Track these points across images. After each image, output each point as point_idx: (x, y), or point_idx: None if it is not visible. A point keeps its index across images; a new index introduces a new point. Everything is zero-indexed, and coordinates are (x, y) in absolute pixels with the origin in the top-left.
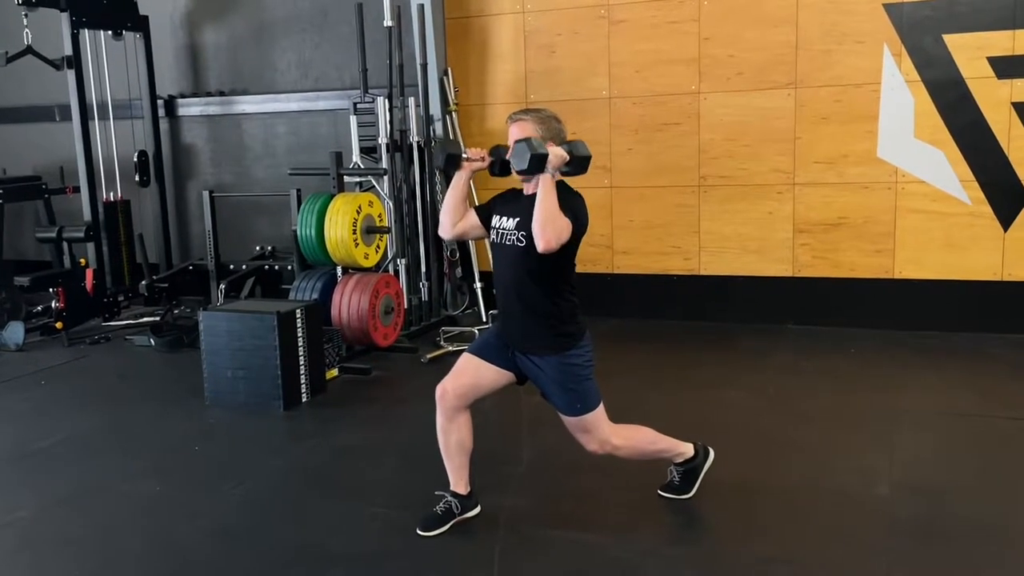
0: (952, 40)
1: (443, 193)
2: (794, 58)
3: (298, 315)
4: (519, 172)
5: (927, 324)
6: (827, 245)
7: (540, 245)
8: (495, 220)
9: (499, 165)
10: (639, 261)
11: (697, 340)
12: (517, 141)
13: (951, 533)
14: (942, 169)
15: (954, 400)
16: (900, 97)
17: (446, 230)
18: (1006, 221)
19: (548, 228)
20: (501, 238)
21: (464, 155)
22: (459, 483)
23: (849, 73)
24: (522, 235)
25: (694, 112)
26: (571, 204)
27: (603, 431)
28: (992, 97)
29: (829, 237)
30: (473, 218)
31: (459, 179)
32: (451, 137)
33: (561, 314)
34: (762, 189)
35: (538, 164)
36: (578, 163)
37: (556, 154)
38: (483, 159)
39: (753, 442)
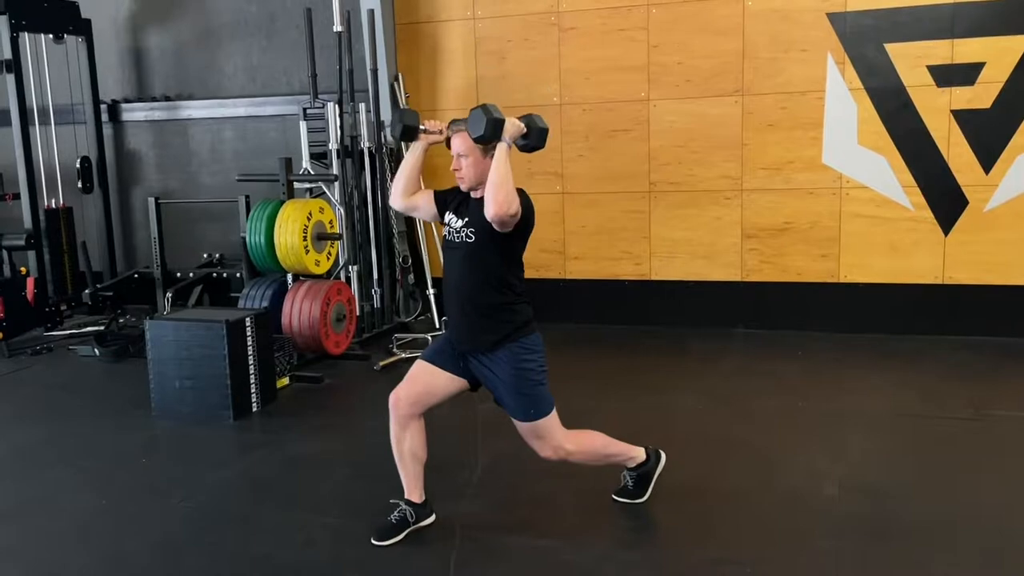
0: (893, 49)
1: None
2: (741, 66)
3: (248, 323)
4: (476, 139)
5: (871, 327)
6: (774, 250)
7: (491, 210)
8: (447, 217)
9: (485, 143)
10: (591, 267)
11: (648, 345)
12: (473, 108)
13: (898, 531)
14: (885, 175)
15: (898, 401)
16: (844, 104)
17: (396, 199)
18: (946, 226)
19: (500, 192)
20: (451, 235)
21: (422, 127)
22: (413, 491)
23: (794, 81)
24: (471, 231)
25: (644, 119)
26: (520, 197)
27: (556, 437)
28: (932, 105)
29: (776, 242)
30: (427, 197)
31: (415, 149)
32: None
33: (508, 309)
34: (710, 195)
35: (494, 129)
36: (537, 135)
37: (512, 123)
38: (440, 132)
39: (705, 445)
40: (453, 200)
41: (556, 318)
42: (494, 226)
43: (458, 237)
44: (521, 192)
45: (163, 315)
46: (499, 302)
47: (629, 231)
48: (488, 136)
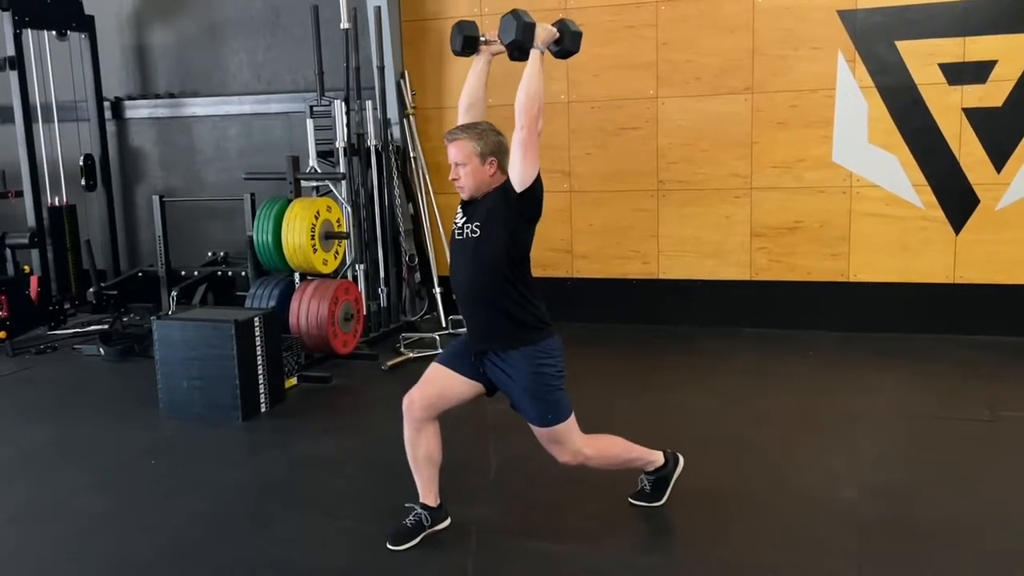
0: (904, 47)
1: (401, 198)
2: (751, 63)
3: (256, 323)
4: (508, 45)
5: (882, 326)
6: (784, 249)
7: (523, 119)
8: (456, 217)
9: (517, 49)
10: (598, 265)
11: (657, 344)
12: (504, 15)
13: (919, 534)
14: (895, 173)
15: (913, 401)
16: (854, 102)
17: (462, 108)
18: (957, 224)
19: (533, 103)
20: (456, 231)
21: (482, 38)
22: (428, 495)
23: (804, 78)
24: (476, 225)
25: (652, 117)
26: (530, 199)
27: (575, 442)
28: (943, 103)
29: (786, 241)
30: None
31: (477, 64)
32: (409, 141)
33: (520, 306)
34: (719, 193)
35: (524, 33)
36: (571, 39)
37: (544, 28)
38: (501, 41)
39: (718, 447)
40: (459, 211)
41: (563, 317)
42: (514, 171)
43: (461, 233)
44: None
45: (171, 315)
46: (508, 297)
47: (637, 230)
48: (519, 40)
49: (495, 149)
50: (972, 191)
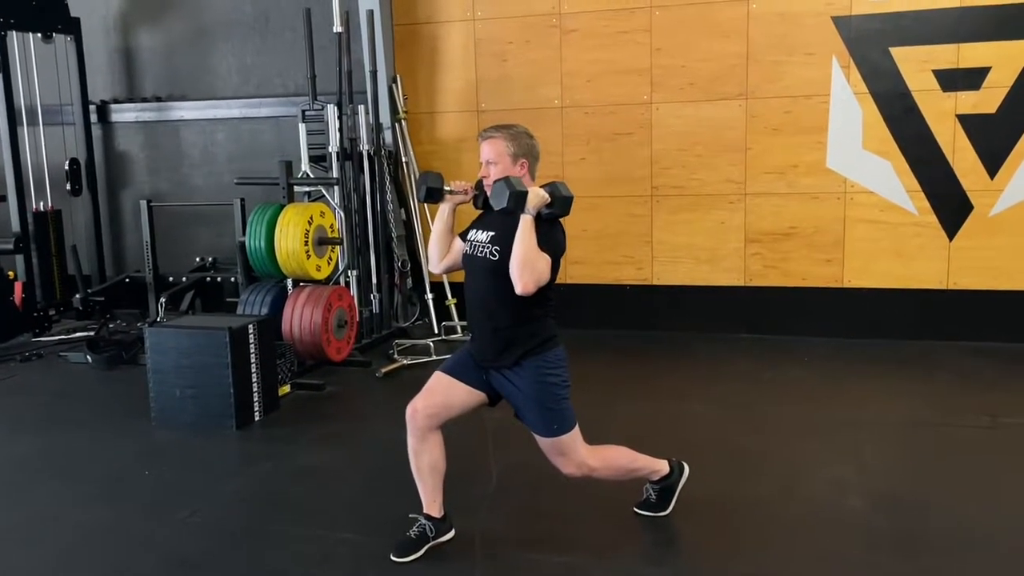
0: (899, 53)
1: (393, 203)
2: (745, 69)
3: (251, 330)
4: (499, 211)
5: (876, 332)
6: (778, 255)
7: (518, 288)
8: (471, 233)
9: (483, 198)
10: (592, 271)
11: (652, 351)
12: (496, 180)
13: (930, 544)
14: (889, 180)
15: (910, 408)
16: (848, 108)
17: (434, 264)
18: (951, 231)
19: (526, 272)
20: (474, 250)
21: (447, 188)
22: (432, 505)
23: (799, 84)
24: (495, 249)
25: (646, 122)
26: (550, 235)
27: (580, 453)
28: (937, 109)
29: (780, 247)
30: (459, 246)
31: (442, 212)
32: (401, 145)
33: (532, 327)
34: (714, 199)
35: (517, 202)
36: (561, 203)
37: (536, 194)
38: (466, 192)
39: (721, 455)
40: (477, 221)
41: (557, 324)
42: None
43: (481, 252)
44: (556, 224)
45: (163, 322)
46: (525, 318)
47: (631, 235)
48: (511, 209)
49: (527, 152)
50: (966, 197)
